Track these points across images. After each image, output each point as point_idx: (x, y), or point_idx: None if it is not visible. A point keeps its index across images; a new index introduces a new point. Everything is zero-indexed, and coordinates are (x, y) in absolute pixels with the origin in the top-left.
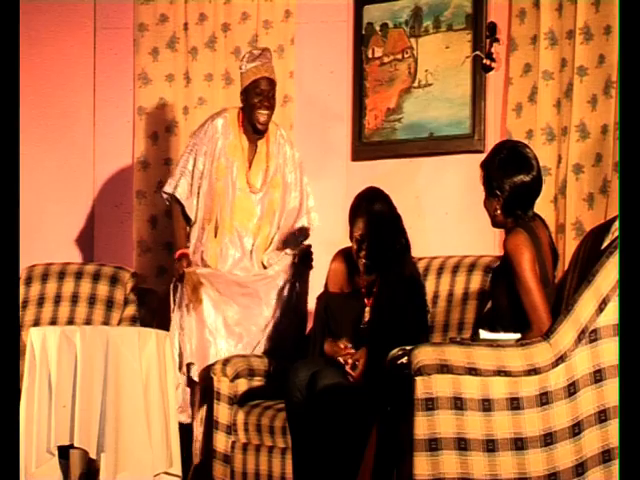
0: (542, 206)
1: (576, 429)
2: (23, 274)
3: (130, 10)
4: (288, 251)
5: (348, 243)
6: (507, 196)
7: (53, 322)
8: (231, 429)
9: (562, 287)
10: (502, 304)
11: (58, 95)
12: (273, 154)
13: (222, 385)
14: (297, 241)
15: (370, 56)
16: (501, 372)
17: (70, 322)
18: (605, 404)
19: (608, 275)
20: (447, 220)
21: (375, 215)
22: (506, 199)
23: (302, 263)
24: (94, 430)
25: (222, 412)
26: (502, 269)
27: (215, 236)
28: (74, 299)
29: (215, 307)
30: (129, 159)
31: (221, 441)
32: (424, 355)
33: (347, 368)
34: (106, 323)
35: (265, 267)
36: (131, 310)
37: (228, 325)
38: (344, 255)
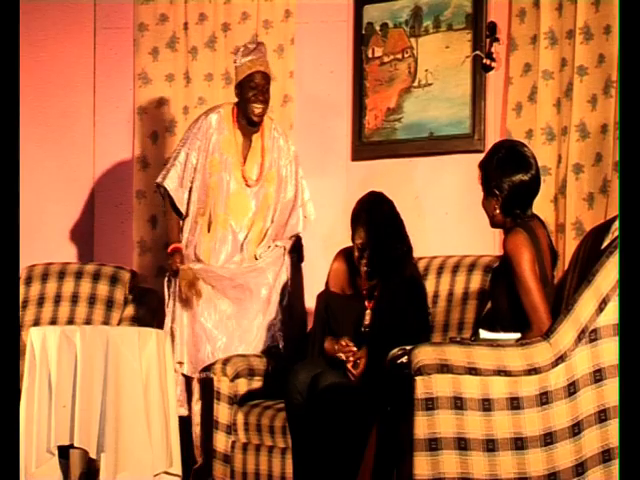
0: (542, 206)
1: (576, 429)
2: (23, 274)
3: (130, 10)
4: (279, 243)
5: (348, 242)
6: (506, 195)
7: (53, 322)
8: (231, 429)
9: (562, 287)
10: (502, 304)
11: (58, 95)
12: (268, 148)
13: (222, 385)
14: (290, 235)
15: (370, 56)
16: (501, 372)
17: (70, 322)
18: (605, 404)
19: (608, 275)
20: (447, 220)
21: (376, 224)
22: (505, 198)
23: (293, 252)
24: (94, 430)
25: (222, 412)
26: (502, 269)
27: (208, 231)
28: (74, 299)
29: (208, 302)
30: (129, 159)
31: (221, 441)
32: (424, 355)
33: (348, 366)
34: (106, 323)
35: (257, 259)
36: (131, 310)
37: (221, 319)
38: (346, 255)
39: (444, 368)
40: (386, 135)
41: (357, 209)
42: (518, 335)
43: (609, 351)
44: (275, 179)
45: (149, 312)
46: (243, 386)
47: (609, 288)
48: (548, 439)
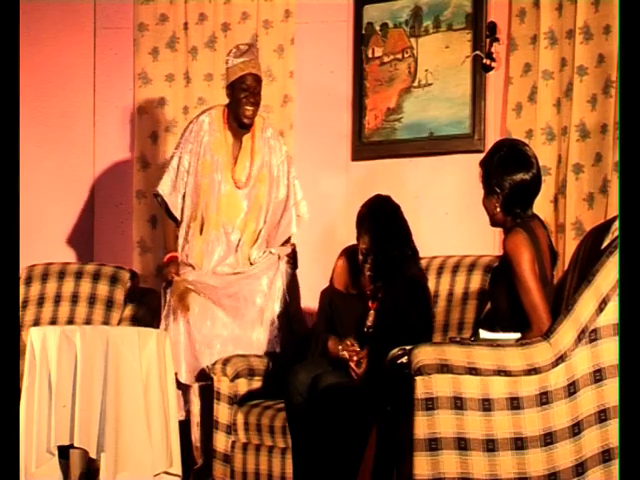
0: (542, 206)
1: (576, 429)
2: (23, 274)
3: (130, 10)
4: (273, 250)
5: (347, 242)
6: (507, 194)
7: (53, 322)
8: (231, 429)
9: (562, 287)
10: (502, 304)
11: (58, 95)
12: (259, 149)
13: (222, 385)
14: (283, 235)
15: (370, 56)
16: (501, 372)
17: (70, 322)
18: (605, 404)
19: (608, 275)
20: (447, 220)
21: (380, 231)
22: (506, 197)
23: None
24: (94, 430)
25: (222, 412)
26: (502, 269)
27: (200, 233)
28: (74, 299)
29: (204, 311)
30: (129, 159)
31: (221, 441)
32: (424, 355)
33: (352, 364)
34: (106, 323)
35: (251, 263)
36: (131, 310)
37: (217, 327)
38: (350, 253)
39: (444, 368)
40: (386, 135)
41: (362, 213)
42: (518, 335)
43: (609, 351)
44: (267, 179)
45: (149, 312)
46: (243, 386)
47: (609, 288)
48: (548, 439)
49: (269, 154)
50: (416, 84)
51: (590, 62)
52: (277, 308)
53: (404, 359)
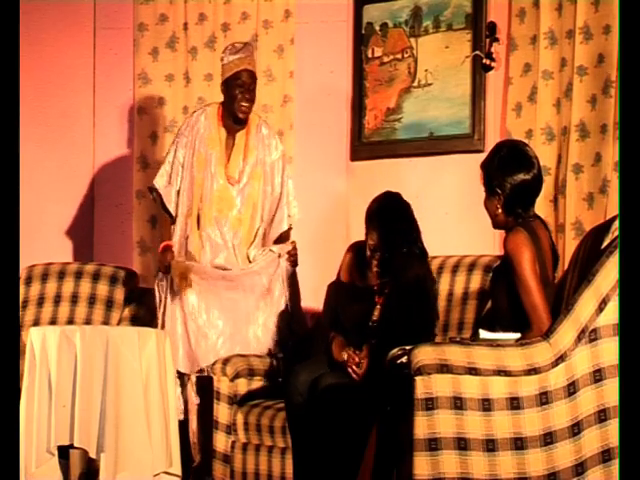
0: (542, 206)
1: (576, 429)
2: (23, 274)
3: (130, 10)
4: (274, 249)
5: (347, 242)
6: (508, 194)
7: (53, 322)
8: (231, 429)
9: (562, 287)
10: (502, 304)
11: (58, 95)
12: (253, 146)
13: (222, 385)
14: (275, 234)
15: (370, 56)
16: (501, 372)
17: (70, 322)
18: (605, 404)
19: (608, 275)
20: (447, 220)
21: (388, 228)
22: (507, 197)
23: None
24: (94, 430)
25: (222, 412)
26: (502, 268)
27: (198, 228)
28: (74, 299)
29: (200, 298)
30: (129, 159)
31: (221, 441)
32: (424, 355)
33: (353, 366)
34: (106, 323)
35: (250, 262)
36: (131, 310)
37: (214, 317)
38: (358, 248)
39: (444, 368)
40: (386, 135)
41: (372, 209)
42: (518, 335)
43: (609, 351)
44: (261, 177)
45: (149, 312)
46: (243, 386)
47: (609, 288)
48: (548, 439)
49: (263, 152)
50: (416, 84)
51: (590, 62)
52: (276, 306)
53: (404, 359)
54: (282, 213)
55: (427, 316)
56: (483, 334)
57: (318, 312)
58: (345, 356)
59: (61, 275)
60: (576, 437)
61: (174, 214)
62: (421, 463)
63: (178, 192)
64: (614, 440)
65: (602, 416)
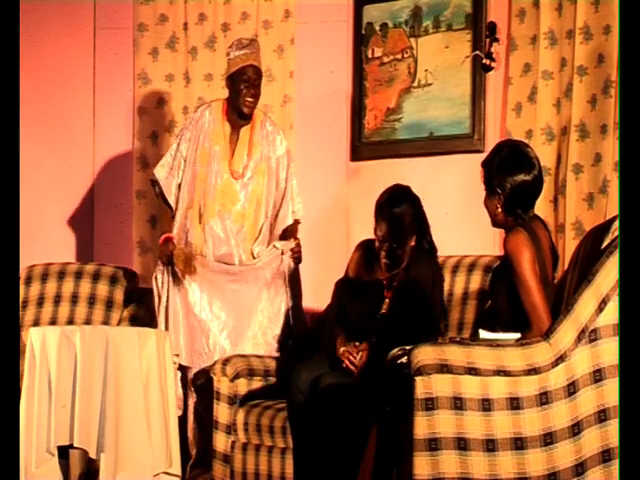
0: (542, 206)
1: (576, 429)
2: (23, 274)
3: (130, 10)
4: (277, 245)
5: (347, 242)
6: (508, 195)
7: (53, 322)
8: (231, 429)
9: (562, 287)
10: (502, 304)
11: (58, 95)
12: (257, 142)
13: (222, 385)
14: (287, 232)
15: (370, 56)
16: (501, 372)
17: (70, 322)
18: (605, 404)
19: (608, 275)
20: (447, 220)
21: (397, 219)
22: (507, 197)
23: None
24: (94, 430)
25: (222, 412)
26: (502, 269)
27: (200, 222)
28: (74, 299)
29: (201, 290)
30: (129, 159)
31: (221, 441)
32: (424, 355)
33: (350, 358)
34: (106, 323)
35: (254, 258)
36: (131, 310)
37: (215, 310)
38: (366, 246)
39: (444, 368)
40: (386, 135)
41: (382, 201)
42: (518, 335)
43: (609, 351)
44: (265, 173)
45: (149, 312)
46: (243, 386)
47: (609, 288)
48: (548, 439)
49: (268, 148)
50: (416, 84)
51: (590, 62)
52: (278, 302)
53: (404, 359)
54: (286, 208)
55: (435, 311)
56: (483, 334)
57: (317, 312)
58: (341, 350)
59: (61, 275)
60: (576, 437)
61: (174, 207)
62: (421, 463)
63: (179, 185)
64: (614, 440)
65: (602, 416)
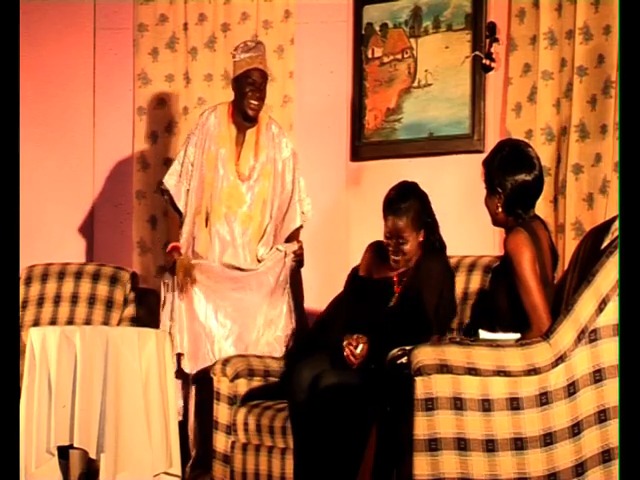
0: (542, 206)
1: (576, 429)
2: (23, 274)
3: (130, 10)
4: (280, 247)
5: (347, 242)
6: (508, 194)
7: (53, 322)
8: (231, 429)
9: (562, 287)
10: (502, 304)
11: (58, 95)
12: (264, 145)
13: (222, 385)
14: (286, 232)
15: (370, 56)
16: (501, 372)
17: (70, 322)
18: (605, 404)
19: (608, 275)
20: (447, 220)
21: (403, 214)
22: (507, 197)
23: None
24: (94, 430)
25: (222, 412)
26: (502, 268)
27: (206, 226)
28: (74, 299)
29: (206, 298)
30: (129, 159)
31: (221, 441)
32: (424, 355)
33: (350, 348)
34: (106, 323)
35: (259, 260)
36: (131, 310)
37: (221, 317)
38: (378, 246)
39: (444, 368)
40: (386, 135)
41: (391, 196)
42: (518, 335)
43: (609, 351)
44: (271, 175)
45: (149, 312)
46: (243, 386)
47: (609, 288)
48: (548, 439)
49: (274, 150)
50: (416, 84)
51: (590, 62)
52: (280, 305)
53: (404, 359)
54: (294, 211)
55: (445, 308)
56: (483, 334)
57: (318, 312)
58: (344, 342)
59: (61, 275)
60: (576, 437)
61: (183, 212)
62: (421, 463)
63: (188, 190)
64: (614, 440)
65: (602, 416)
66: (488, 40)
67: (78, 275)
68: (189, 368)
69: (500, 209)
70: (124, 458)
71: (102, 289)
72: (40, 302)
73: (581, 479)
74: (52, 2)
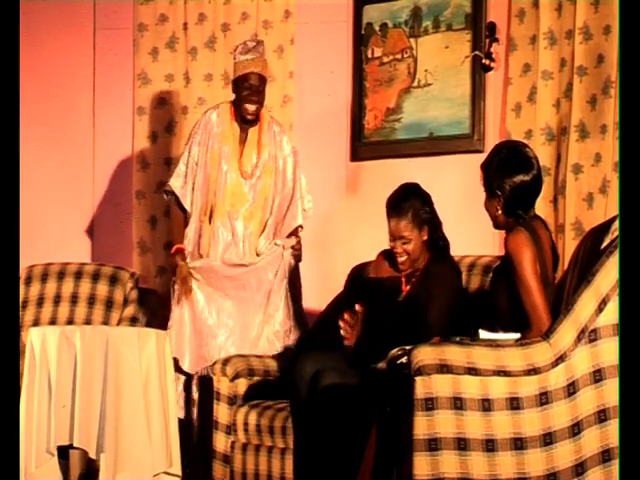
0: (542, 206)
1: (576, 429)
2: (23, 274)
3: (130, 10)
4: (278, 242)
5: (347, 242)
6: (508, 196)
7: (53, 322)
8: (231, 429)
9: (562, 287)
10: (502, 304)
11: (58, 95)
12: (266, 143)
13: (222, 385)
14: (289, 227)
15: (370, 56)
16: (501, 372)
17: (70, 322)
18: (605, 404)
19: (608, 275)
20: (447, 220)
21: (405, 213)
22: (507, 199)
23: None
24: (94, 430)
25: (222, 412)
26: (503, 268)
27: (210, 223)
28: (74, 299)
29: (208, 300)
30: (129, 159)
31: (221, 441)
32: (424, 355)
33: (345, 327)
34: (106, 323)
35: (258, 254)
36: (131, 310)
37: (222, 317)
38: (387, 253)
39: (444, 368)
40: (386, 135)
41: (393, 197)
42: (518, 335)
43: (609, 351)
44: (272, 172)
45: (149, 312)
46: (243, 386)
47: (609, 288)
48: (548, 439)
49: (275, 148)
50: (415, 84)
51: (590, 62)
52: (279, 302)
53: (404, 359)
54: (296, 208)
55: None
56: (483, 334)
57: (317, 312)
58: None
59: (61, 275)
60: (576, 437)
61: (190, 211)
62: (421, 463)
63: (193, 189)
64: (614, 440)
65: (602, 416)
66: (488, 40)
67: (78, 275)
68: (189, 368)
69: (500, 211)
70: (124, 458)
71: (102, 289)
72: (40, 302)
73: (581, 479)
74: (52, 2)
